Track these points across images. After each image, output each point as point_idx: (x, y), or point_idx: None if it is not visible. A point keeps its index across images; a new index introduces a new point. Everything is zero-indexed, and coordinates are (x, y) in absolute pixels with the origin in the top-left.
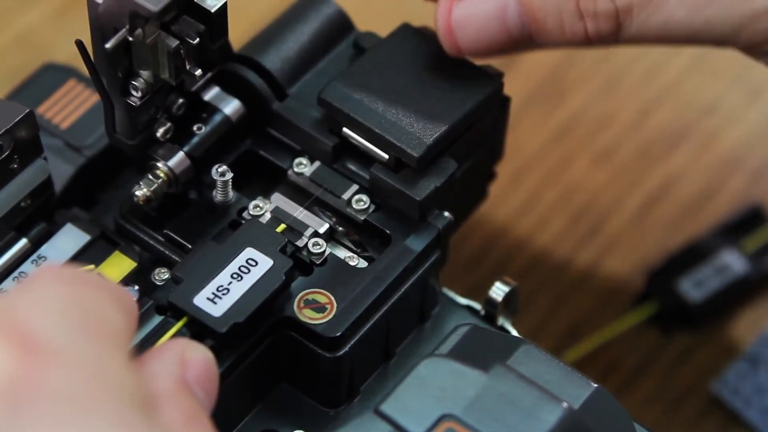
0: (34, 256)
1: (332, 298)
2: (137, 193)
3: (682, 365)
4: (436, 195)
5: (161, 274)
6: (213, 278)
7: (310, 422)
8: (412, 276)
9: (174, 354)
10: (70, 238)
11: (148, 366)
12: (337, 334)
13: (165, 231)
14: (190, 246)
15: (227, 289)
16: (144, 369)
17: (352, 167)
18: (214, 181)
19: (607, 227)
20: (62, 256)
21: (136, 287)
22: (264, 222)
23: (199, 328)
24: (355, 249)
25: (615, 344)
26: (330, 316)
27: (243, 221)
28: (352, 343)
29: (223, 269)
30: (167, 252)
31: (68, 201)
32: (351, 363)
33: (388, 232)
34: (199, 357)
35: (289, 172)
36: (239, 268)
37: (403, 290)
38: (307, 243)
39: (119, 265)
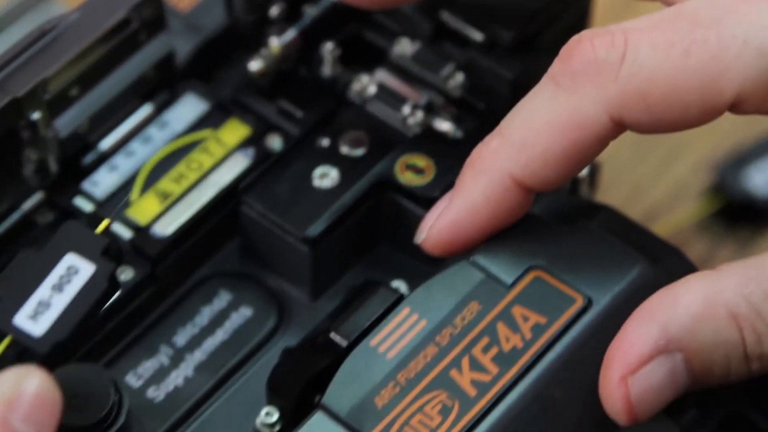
0: (157, 121)
1: (431, 162)
2: (252, 67)
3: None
4: (527, 73)
5: (274, 141)
6: (32, 293)
7: (409, 276)
8: None
9: None
10: (190, 106)
11: None
12: (435, 195)
13: (277, 102)
14: (301, 114)
15: (48, 303)
16: None
17: (450, 48)
18: (322, 57)
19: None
20: (183, 121)
21: (250, 150)
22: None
23: (23, 348)
24: (451, 122)
25: (682, 234)
26: (429, 179)
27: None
28: None
29: (42, 281)
30: (279, 121)
31: (188, 75)
32: None
33: (481, 107)
34: (31, 390)
35: (391, 51)
36: (60, 278)
37: None
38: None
39: (235, 131)
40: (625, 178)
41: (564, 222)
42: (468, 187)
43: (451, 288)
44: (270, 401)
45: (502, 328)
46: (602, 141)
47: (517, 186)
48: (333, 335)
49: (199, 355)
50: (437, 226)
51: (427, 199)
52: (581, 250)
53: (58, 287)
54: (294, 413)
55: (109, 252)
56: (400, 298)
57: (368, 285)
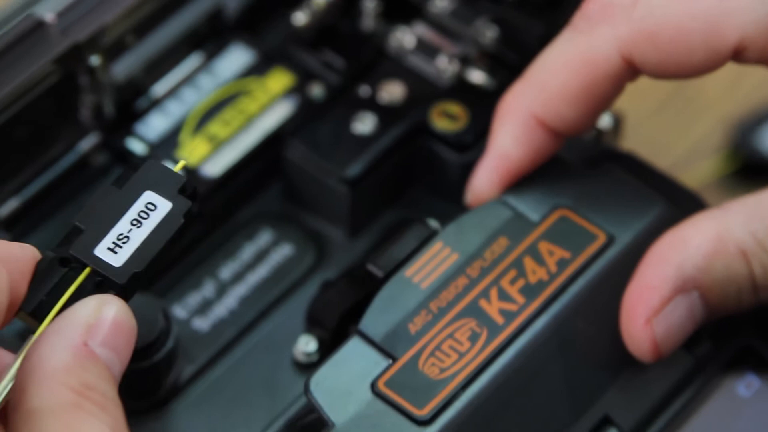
0: (206, 69)
1: (465, 110)
2: (297, 20)
3: None
4: (556, 28)
5: (316, 90)
6: (113, 227)
7: (441, 217)
8: None
9: (75, 324)
10: (237, 55)
11: (44, 341)
12: (468, 140)
13: (320, 53)
14: (342, 65)
15: (127, 237)
16: (38, 347)
17: (484, 4)
18: (364, 11)
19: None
20: (231, 70)
21: (294, 98)
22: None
23: (102, 279)
24: (485, 73)
25: (700, 193)
26: (462, 125)
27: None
28: (480, 147)
29: (122, 216)
30: (321, 71)
31: (236, 28)
32: None
33: (513, 60)
34: (110, 316)
35: (428, 7)
36: (138, 214)
37: None
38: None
39: (279, 79)
40: (645, 137)
41: (589, 167)
42: (497, 133)
43: (481, 224)
44: (308, 331)
45: (528, 262)
46: (615, 81)
47: (541, 126)
48: (370, 266)
49: (242, 289)
50: (478, 179)
51: (460, 144)
52: (605, 191)
53: (137, 222)
54: (331, 343)
55: (186, 190)
56: (433, 233)
57: (403, 222)
